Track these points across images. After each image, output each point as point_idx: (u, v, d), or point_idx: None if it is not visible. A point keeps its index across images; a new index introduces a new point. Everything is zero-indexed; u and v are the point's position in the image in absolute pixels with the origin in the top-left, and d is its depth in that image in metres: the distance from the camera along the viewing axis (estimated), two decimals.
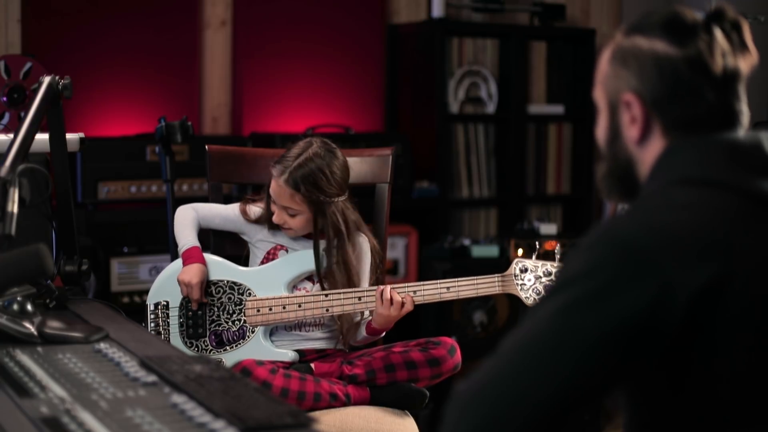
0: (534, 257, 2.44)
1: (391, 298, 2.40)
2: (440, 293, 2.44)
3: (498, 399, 1.23)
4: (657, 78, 1.36)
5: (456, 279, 2.45)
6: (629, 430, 1.39)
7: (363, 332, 2.55)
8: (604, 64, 1.43)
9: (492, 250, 4.24)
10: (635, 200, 1.40)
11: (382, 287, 2.42)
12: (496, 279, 2.44)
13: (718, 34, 1.36)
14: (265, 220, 2.57)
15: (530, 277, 2.42)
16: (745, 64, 1.38)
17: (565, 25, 4.83)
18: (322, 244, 2.50)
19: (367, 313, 2.53)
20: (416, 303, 2.44)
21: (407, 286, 2.45)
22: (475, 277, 2.45)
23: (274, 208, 2.50)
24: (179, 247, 2.56)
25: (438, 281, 2.45)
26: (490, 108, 4.58)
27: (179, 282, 2.51)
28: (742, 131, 1.38)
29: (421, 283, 2.46)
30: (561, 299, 1.26)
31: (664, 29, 1.37)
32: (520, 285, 2.42)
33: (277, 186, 2.46)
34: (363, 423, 2.38)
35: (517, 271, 2.43)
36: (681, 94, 1.36)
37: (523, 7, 4.76)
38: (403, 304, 2.41)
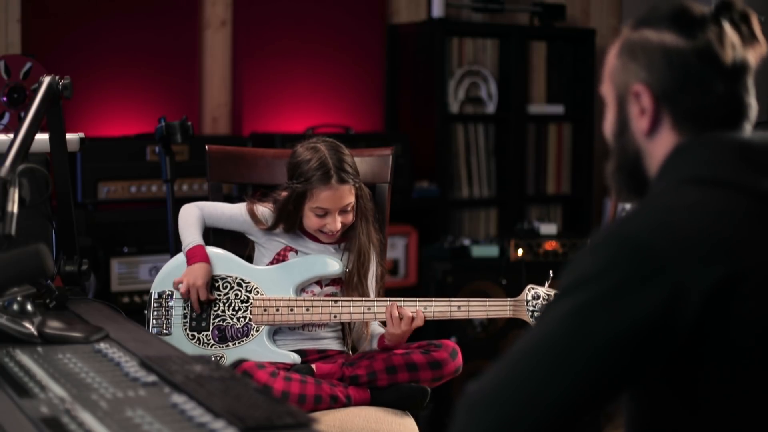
0: (546, 285, 2.44)
1: (400, 315, 2.40)
2: (450, 311, 2.44)
3: (508, 402, 1.23)
4: (666, 69, 1.35)
5: (468, 299, 2.45)
6: (631, 430, 1.39)
7: (375, 346, 2.55)
8: (612, 58, 1.43)
9: (492, 250, 4.23)
10: (643, 198, 1.39)
11: (389, 305, 2.42)
12: (508, 303, 2.44)
13: (727, 25, 1.35)
14: (282, 227, 2.55)
15: (542, 304, 2.41)
16: (755, 55, 1.37)
17: (565, 25, 4.83)
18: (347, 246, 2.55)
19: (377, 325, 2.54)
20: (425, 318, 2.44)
21: (418, 302, 2.45)
22: (486, 299, 2.46)
23: (321, 222, 2.49)
24: (183, 246, 2.55)
25: (449, 299, 2.45)
26: (490, 108, 4.58)
27: (183, 282, 2.50)
28: (750, 126, 1.37)
29: (432, 299, 2.46)
30: (571, 301, 1.25)
31: (672, 21, 1.36)
32: (531, 311, 2.42)
33: (333, 193, 2.46)
34: (363, 423, 2.38)
35: (530, 297, 2.42)
36: (690, 85, 1.35)
37: (523, 7, 4.76)
38: (412, 318, 2.40)
